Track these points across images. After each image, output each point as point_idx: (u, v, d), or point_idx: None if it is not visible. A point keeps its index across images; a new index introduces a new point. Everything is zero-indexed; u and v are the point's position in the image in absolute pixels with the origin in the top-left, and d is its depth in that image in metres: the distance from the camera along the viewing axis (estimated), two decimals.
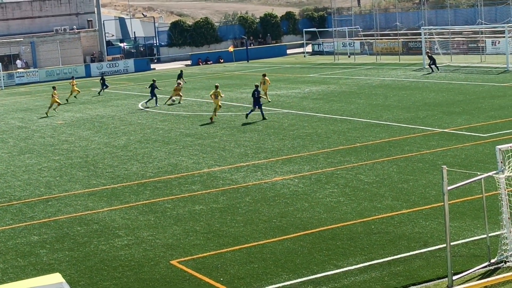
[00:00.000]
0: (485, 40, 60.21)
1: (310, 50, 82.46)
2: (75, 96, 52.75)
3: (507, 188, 14.69)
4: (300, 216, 19.16)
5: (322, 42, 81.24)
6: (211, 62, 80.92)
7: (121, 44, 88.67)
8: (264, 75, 44.07)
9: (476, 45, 60.25)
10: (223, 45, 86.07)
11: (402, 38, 70.17)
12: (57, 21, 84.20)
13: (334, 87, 47.83)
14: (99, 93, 55.83)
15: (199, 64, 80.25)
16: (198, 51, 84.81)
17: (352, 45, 74.06)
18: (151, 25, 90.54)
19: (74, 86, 52.87)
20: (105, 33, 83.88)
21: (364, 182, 22.12)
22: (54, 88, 47.08)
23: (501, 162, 14.52)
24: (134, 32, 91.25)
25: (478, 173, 15.30)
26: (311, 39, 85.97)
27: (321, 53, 79.69)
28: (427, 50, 56.92)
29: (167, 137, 33.06)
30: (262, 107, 36.63)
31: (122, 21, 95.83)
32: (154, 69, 78.92)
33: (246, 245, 17.18)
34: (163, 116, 40.51)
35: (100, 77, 58.74)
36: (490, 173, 14.75)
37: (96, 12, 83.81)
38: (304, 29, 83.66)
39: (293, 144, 29.00)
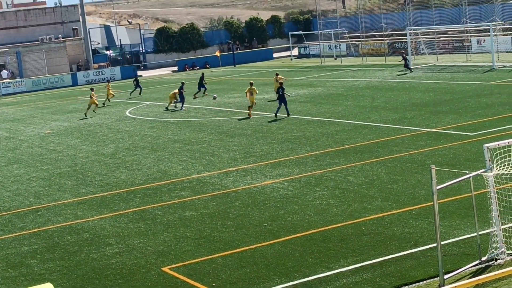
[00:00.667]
0: (471, 39, 60.45)
1: (297, 53, 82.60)
2: (109, 99, 52.38)
3: (495, 186, 14.76)
4: (290, 220, 19.17)
5: (308, 45, 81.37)
6: (197, 67, 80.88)
7: (107, 52, 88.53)
8: (277, 74, 45.43)
9: (461, 44, 60.49)
10: (210, 51, 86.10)
11: (388, 39, 70.37)
12: (42, 30, 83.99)
13: (321, 89, 47.92)
14: (136, 93, 56.02)
15: (186, 70, 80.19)
16: (184, 57, 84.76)
17: (338, 47, 74.20)
18: (136, 32, 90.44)
19: (110, 89, 52.64)
20: (90, 41, 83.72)
21: (354, 183, 22.16)
22: (92, 89, 47.70)
23: (489, 160, 14.59)
24: (120, 40, 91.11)
25: (467, 172, 15.35)
26: (297, 42, 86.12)
27: (307, 56, 79.81)
28: (402, 51, 57.17)
29: (156, 144, 33.02)
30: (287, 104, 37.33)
31: (107, 29, 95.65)
32: (141, 76, 78.90)
33: (237, 250, 17.18)
34: (151, 123, 40.46)
35: (134, 79, 58.58)
36: (478, 172, 14.82)
37: (81, 20, 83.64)
38: (290, 33, 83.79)
39: (281, 148, 29.01)
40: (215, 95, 48.74)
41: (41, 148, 35.54)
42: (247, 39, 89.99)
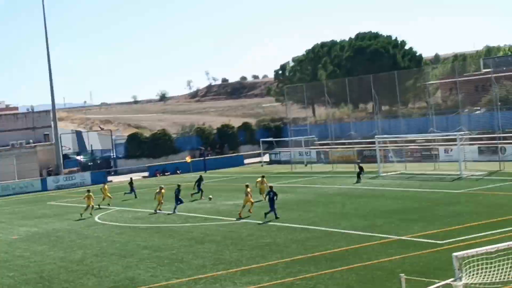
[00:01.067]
0: (438, 148, 61.45)
1: (268, 160, 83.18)
2: (108, 204, 51.59)
3: None
4: None
5: (279, 151, 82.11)
6: (168, 173, 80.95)
7: (78, 157, 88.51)
8: (263, 177, 48.18)
9: (429, 153, 61.41)
10: (181, 156, 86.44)
11: (357, 147, 71.30)
12: (13, 136, 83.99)
13: (292, 195, 48.08)
14: (130, 194, 55.90)
15: (156, 176, 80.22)
16: (155, 162, 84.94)
17: (308, 154, 74.94)
18: (108, 138, 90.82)
19: (106, 191, 52.33)
20: (61, 146, 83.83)
21: None
22: (88, 191, 48.26)
23: (458, 269, 14.64)
24: (91, 145, 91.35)
25: (436, 281, 15.36)
26: (268, 148, 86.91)
27: (278, 162, 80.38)
28: (358, 161, 57.86)
29: (124, 250, 32.66)
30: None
31: (79, 135, 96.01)
32: (111, 181, 78.70)
33: None
34: (120, 228, 40.14)
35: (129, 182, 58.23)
36: (447, 281, 14.84)
37: (52, 126, 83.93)
38: (261, 139, 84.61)
39: (251, 254, 28.85)
40: (210, 196, 49.35)
41: (8, 254, 34.97)
42: (219, 145, 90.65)
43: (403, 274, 13.72)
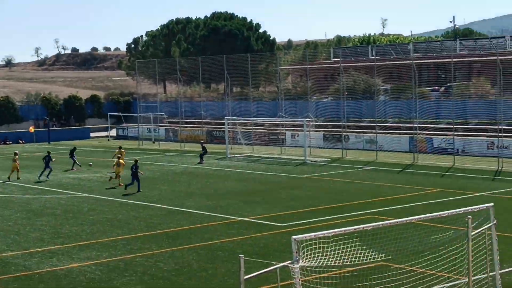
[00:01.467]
0: (285, 133, 62.58)
1: (115, 134, 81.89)
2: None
3: (301, 277, 14.99)
4: None
5: (127, 126, 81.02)
6: (10, 142, 78.06)
7: None
8: (120, 148, 48.60)
9: (276, 137, 62.44)
10: (24, 125, 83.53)
11: (207, 127, 71.45)
12: None
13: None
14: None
15: None
16: None
17: (157, 131, 74.38)
18: None
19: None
20: None
21: (163, 270, 21.85)
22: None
23: (296, 252, 14.83)
24: None
25: (274, 263, 15.53)
26: (116, 123, 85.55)
27: (125, 137, 79.30)
28: (201, 140, 58.20)
29: None
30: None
31: None
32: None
33: None
34: None
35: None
36: (285, 263, 15.00)
37: None
38: (109, 113, 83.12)
39: (92, 230, 28.26)
40: (90, 163, 49.32)
41: None
42: (65, 117, 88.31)
43: (243, 255, 13.75)
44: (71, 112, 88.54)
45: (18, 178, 45.08)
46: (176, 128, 73.65)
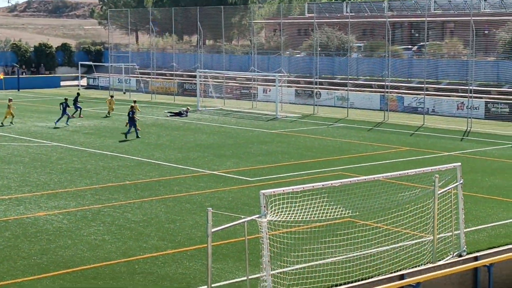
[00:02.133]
0: (257, 87, 62.43)
1: (85, 84, 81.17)
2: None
3: (268, 232, 15.08)
4: (62, 254, 18.50)
5: (98, 76, 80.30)
6: None
7: None
8: (112, 96, 51.91)
9: (248, 91, 62.28)
10: None
11: (178, 79, 71.04)
12: None
13: (107, 122, 47.28)
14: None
15: None
16: None
17: (128, 82, 73.82)
18: None
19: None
20: None
21: (131, 220, 21.87)
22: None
23: (264, 207, 14.90)
24: None
25: (242, 216, 15.60)
26: (87, 72, 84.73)
27: (96, 87, 78.64)
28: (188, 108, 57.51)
29: None
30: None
31: None
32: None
33: (1, 283, 16.26)
34: None
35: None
36: (253, 217, 15.07)
37: None
38: (80, 62, 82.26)
39: (60, 179, 28.13)
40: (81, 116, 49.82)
41: None
42: (35, 64, 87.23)
43: (211, 208, 13.78)
44: (41, 60, 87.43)
45: (11, 123, 45.40)
46: (147, 79, 73.15)
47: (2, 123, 45.28)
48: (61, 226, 21.18)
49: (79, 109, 50.32)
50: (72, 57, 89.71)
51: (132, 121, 40.29)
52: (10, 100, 46.96)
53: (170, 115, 50.61)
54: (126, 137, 39.47)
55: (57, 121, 45.03)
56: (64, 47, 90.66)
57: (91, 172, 29.58)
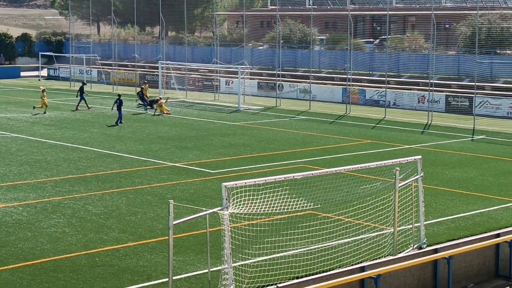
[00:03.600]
0: (220, 79, 62.30)
1: (46, 74, 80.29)
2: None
3: (230, 224, 15.08)
4: (21, 246, 18.30)
5: (59, 67, 79.47)
6: None
7: None
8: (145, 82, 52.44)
9: (211, 83, 62.11)
10: None
11: (140, 70, 70.59)
12: None
13: (68, 114, 46.85)
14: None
15: None
16: None
17: (89, 73, 73.19)
18: None
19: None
20: None
21: (92, 213, 21.70)
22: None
23: (226, 199, 14.89)
24: None
25: (204, 209, 15.57)
26: (48, 63, 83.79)
27: (57, 78, 77.85)
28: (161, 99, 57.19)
29: None
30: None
31: None
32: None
33: None
34: None
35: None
36: (215, 209, 15.06)
37: None
38: (41, 52, 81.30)
39: (19, 170, 27.81)
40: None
41: None
42: None
43: (173, 200, 13.73)
44: (1, 50, 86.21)
45: (44, 112, 46.41)
46: (109, 70, 72.59)
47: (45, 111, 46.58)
48: (20, 219, 20.95)
49: (83, 100, 50.40)
50: (32, 48, 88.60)
51: (119, 109, 42.35)
52: (43, 91, 47.85)
53: (141, 106, 49.88)
54: (117, 123, 41.46)
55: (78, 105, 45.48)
56: (25, 37, 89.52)
57: (52, 164, 29.29)
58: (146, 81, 52.01)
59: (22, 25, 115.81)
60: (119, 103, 42.51)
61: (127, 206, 22.56)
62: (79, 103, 49.53)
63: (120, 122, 41.91)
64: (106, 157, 31.20)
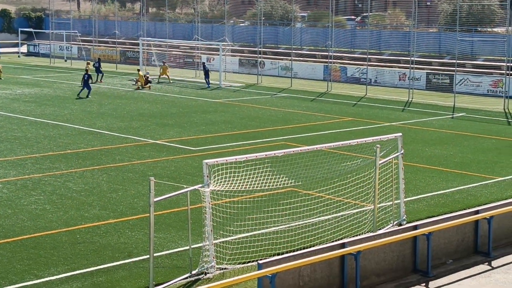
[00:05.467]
0: (201, 56, 62.08)
1: (25, 51, 79.65)
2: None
3: (211, 201, 15.11)
4: (1, 223, 18.24)
5: (38, 43, 78.85)
6: None
7: None
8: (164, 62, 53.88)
9: (192, 60, 61.89)
10: None
11: (121, 47, 70.20)
12: None
13: (48, 90, 46.54)
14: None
15: None
16: None
17: (69, 49, 72.69)
18: None
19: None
20: None
21: (73, 190, 21.64)
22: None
23: (207, 176, 14.91)
24: None
25: (185, 186, 15.57)
26: (27, 39, 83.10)
27: (36, 54, 77.26)
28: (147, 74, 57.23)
29: None
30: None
31: None
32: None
33: None
34: None
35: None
36: (195, 187, 15.07)
37: None
38: (20, 29, 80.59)
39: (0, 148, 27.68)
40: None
41: None
42: None
43: (154, 177, 13.72)
44: None
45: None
46: (89, 46, 72.11)
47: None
48: (1, 196, 20.85)
49: (101, 74, 51.90)
50: (11, 24, 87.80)
51: (86, 84, 43.23)
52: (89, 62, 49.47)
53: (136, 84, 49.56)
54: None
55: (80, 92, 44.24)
56: (4, 13, 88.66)
57: (32, 141, 29.14)
58: (164, 61, 54.02)
59: (1, 1, 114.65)
60: (86, 78, 43.34)
61: (108, 183, 22.52)
62: (97, 79, 51.08)
63: (87, 96, 42.87)
64: (86, 134, 31.07)
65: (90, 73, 44.68)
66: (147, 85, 48.16)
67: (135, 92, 46.29)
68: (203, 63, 53.56)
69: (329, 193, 18.88)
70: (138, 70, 50.77)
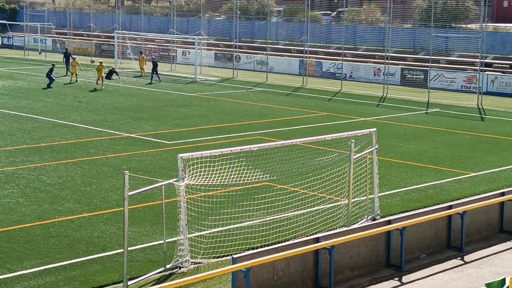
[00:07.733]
0: (176, 50, 61.90)
1: None
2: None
3: (186, 195, 15.10)
4: None
5: (13, 35, 78.19)
6: None
7: None
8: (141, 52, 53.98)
9: (167, 54, 61.69)
10: None
11: (96, 40, 69.80)
12: None
13: (22, 83, 46.18)
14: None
15: None
16: None
17: (44, 42, 72.15)
18: None
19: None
20: None
21: (46, 183, 21.51)
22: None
23: (182, 170, 14.89)
24: None
25: (160, 180, 15.54)
26: (1, 31, 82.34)
27: (10, 47, 76.62)
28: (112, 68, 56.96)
29: None
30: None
31: None
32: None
33: None
34: None
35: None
36: (170, 181, 15.05)
37: None
38: None
39: None
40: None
41: None
42: None
43: (128, 171, 13.67)
44: None
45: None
46: (64, 39, 71.61)
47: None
48: None
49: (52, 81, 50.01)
50: None
51: (49, 76, 44.20)
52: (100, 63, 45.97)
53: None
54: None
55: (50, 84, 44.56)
56: None
57: (5, 134, 28.92)
58: (141, 51, 53.97)
59: None
60: (49, 71, 44.53)
61: (82, 177, 22.41)
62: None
63: (49, 87, 43.73)
64: (61, 127, 30.88)
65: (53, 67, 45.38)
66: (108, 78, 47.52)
67: (110, 85, 46.02)
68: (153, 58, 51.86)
69: (304, 188, 18.94)
70: (101, 62, 49.00)
